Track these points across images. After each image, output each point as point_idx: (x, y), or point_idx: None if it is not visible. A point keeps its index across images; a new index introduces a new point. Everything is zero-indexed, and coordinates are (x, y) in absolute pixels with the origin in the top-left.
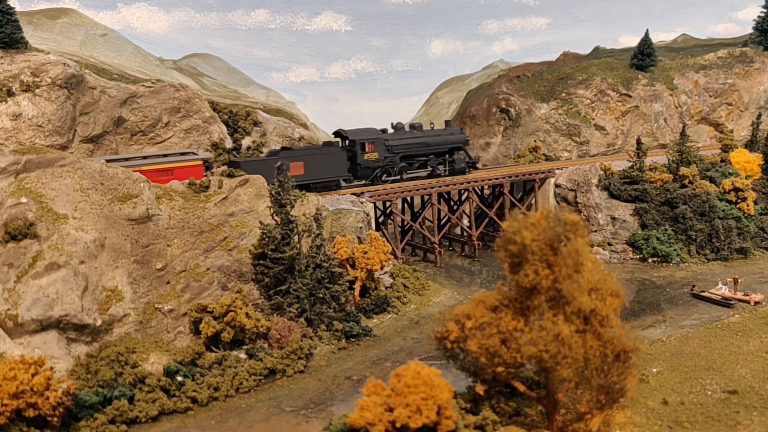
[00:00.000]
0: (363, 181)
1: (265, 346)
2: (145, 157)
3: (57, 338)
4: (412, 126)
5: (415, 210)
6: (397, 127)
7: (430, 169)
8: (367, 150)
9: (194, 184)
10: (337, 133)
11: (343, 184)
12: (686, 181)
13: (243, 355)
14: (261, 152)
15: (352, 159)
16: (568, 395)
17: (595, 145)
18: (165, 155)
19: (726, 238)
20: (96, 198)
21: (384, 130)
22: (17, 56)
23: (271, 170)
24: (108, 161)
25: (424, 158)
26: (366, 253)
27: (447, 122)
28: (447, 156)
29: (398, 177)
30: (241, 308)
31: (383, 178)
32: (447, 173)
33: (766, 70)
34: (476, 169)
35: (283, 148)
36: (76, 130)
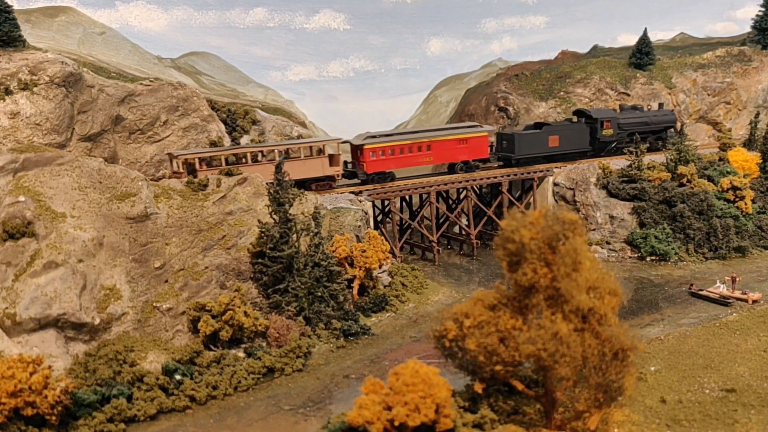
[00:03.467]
0: (601, 154)
1: (264, 344)
2: (440, 129)
3: (55, 337)
4: (633, 107)
5: (414, 209)
6: (623, 108)
7: (648, 144)
8: (605, 127)
9: (192, 183)
10: (578, 112)
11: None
12: (684, 180)
13: (241, 354)
14: None
15: (593, 134)
16: (567, 394)
17: None
18: (457, 127)
19: (724, 236)
20: (94, 196)
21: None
22: (15, 54)
23: (541, 141)
24: (379, 136)
25: (644, 135)
26: (364, 251)
27: (660, 105)
28: (662, 133)
29: (621, 152)
30: (239, 307)
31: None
32: (663, 147)
33: (765, 69)
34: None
35: (541, 124)
36: (74, 129)
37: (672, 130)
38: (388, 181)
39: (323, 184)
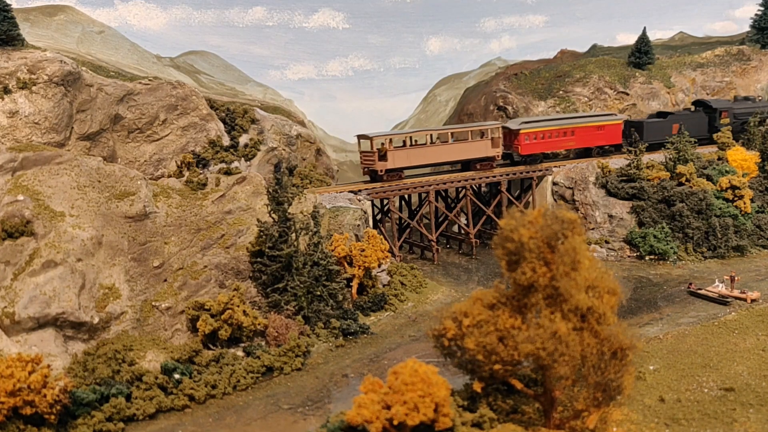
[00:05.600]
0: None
1: (263, 343)
2: (582, 116)
3: (54, 336)
4: (746, 98)
5: (413, 208)
6: (737, 98)
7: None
8: (722, 116)
9: (191, 182)
10: (697, 102)
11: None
12: (683, 179)
13: (240, 353)
14: (258, 150)
15: (710, 123)
16: (565, 393)
17: None
18: (595, 115)
19: (723, 235)
20: (93, 195)
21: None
22: (14, 53)
23: (665, 129)
24: (531, 122)
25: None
26: (363, 250)
27: (745, 97)
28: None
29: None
30: (238, 306)
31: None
32: None
33: (763, 68)
34: None
35: (665, 113)
36: (73, 128)
37: None
38: (538, 163)
39: (485, 164)
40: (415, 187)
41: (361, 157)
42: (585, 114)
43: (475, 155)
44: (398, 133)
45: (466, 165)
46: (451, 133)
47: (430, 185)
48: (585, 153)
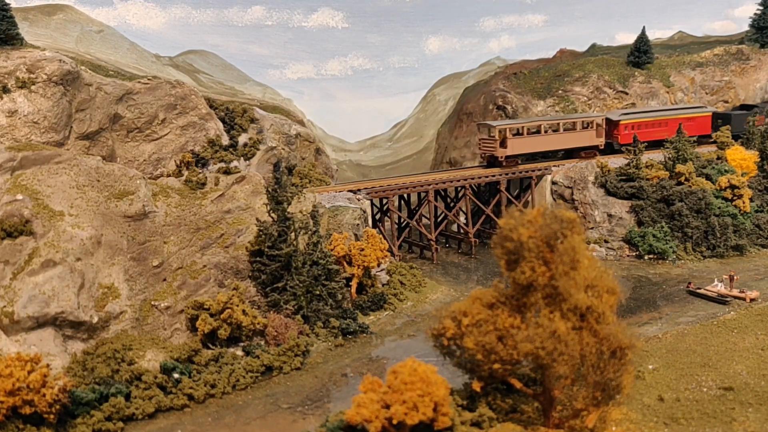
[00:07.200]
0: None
1: (262, 343)
2: (674, 108)
3: (53, 335)
4: None
5: (412, 207)
6: None
7: None
8: None
9: (191, 181)
10: None
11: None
12: (682, 179)
13: (240, 352)
14: (257, 149)
15: None
16: (565, 392)
17: None
18: (687, 107)
19: (722, 235)
20: (92, 195)
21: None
22: (13, 53)
23: (742, 122)
24: (629, 113)
25: None
26: (363, 250)
27: None
28: None
29: None
30: (237, 305)
31: None
32: None
33: (762, 68)
34: None
35: (749, 105)
36: (72, 127)
37: None
38: (636, 153)
39: (589, 152)
40: (414, 187)
41: (479, 144)
42: (678, 106)
43: (582, 144)
44: (515, 122)
45: (569, 153)
46: (562, 124)
47: (429, 184)
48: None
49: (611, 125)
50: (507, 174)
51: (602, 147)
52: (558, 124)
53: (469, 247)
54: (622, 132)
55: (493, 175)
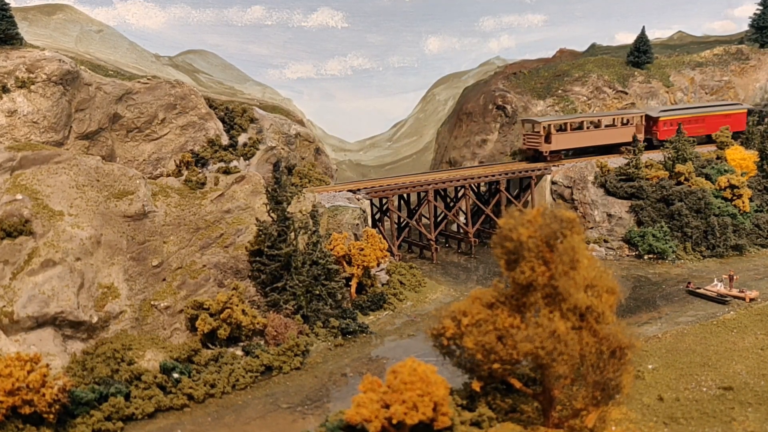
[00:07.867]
0: None
1: (262, 342)
2: (712, 105)
3: (53, 335)
4: None
5: (412, 207)
6: None
7: None
8: None
9: (190, 181)
10: None
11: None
12: (682, 178)
13: (239, 352)
14: (257, 149)
15: None
16: (564, 392)
17: None
18: (723, 104)
19: (721, 235)
20: (92, 195)
21: None
22: (12, 52)
23: None
24: (668, 110)
25: None
26: (362, 250)
27: None
28: None
29: None
30: (237, 305)
31: None
32: None
33: (762, 67)
34: None
35: None
36: (71, 127)
37: None
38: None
39: (629, 148)
40: (414, 186)
41: (524, 139)
42: (715, 103)
43: (623, 139)
44: (558, 118)
45: (608, 149)
46: (603, 120)
47: (428, 184)
48: (708, 139)
49: (650, 122)
50: (506, 174)
51: (642, 142)
52: (599, 120)
53: (469, 247)
54: (661, 128)
55: (493, 175)
